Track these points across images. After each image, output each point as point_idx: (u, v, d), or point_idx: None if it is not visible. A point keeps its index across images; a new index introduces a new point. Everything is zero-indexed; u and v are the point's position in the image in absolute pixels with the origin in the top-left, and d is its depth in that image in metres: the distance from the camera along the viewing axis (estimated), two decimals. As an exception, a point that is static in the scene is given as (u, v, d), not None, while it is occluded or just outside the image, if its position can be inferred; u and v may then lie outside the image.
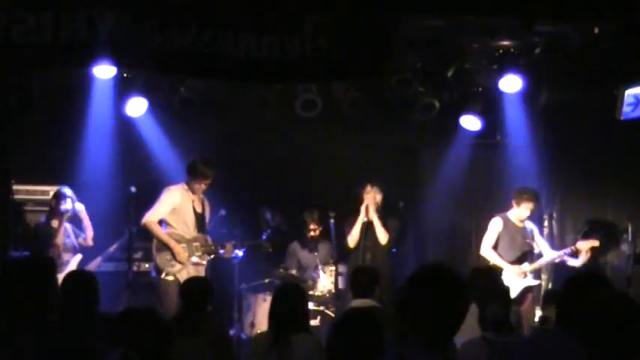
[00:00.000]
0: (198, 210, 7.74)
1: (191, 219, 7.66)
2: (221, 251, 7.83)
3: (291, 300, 5.06)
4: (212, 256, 7.92)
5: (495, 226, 8.11)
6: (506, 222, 8.12)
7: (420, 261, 8.96)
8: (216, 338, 5.47)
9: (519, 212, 8.10)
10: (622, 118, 7.83)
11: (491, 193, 9.20)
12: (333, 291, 7.89)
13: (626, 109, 7.78)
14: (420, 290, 2.92)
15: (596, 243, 8.12)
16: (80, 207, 7.99)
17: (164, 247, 7.52)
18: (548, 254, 8.20)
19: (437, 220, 9.31)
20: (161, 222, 7.63)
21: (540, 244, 8.26)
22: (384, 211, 8.21)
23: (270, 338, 4.97)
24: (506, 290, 5.23)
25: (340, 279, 7.93)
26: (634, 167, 8.77)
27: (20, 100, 8.04)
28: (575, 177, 9.11)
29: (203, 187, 7.71)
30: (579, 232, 8.77)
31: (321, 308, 7.85)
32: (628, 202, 8.86)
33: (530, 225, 8.22)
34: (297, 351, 4.81)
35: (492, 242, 8.09)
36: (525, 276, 7.99)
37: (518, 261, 8.03)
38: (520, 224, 8.14)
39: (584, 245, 8.09)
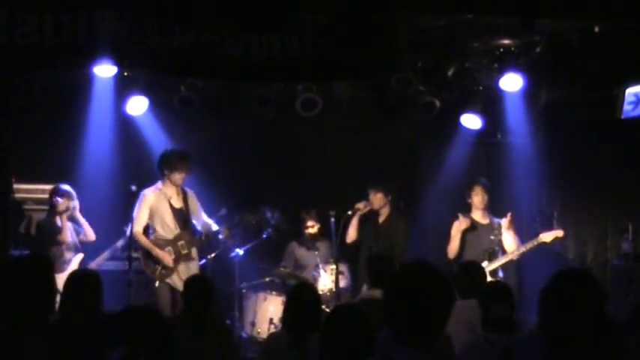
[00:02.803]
0: (177, 206, 7.64)
1: (170, 218, 7.59)
2: (220, 236, 7.81)
3: (306, 300, 4.97)
4: (214, 254, 7.95)
5: (456, 227, 7.96)
6: (469, 221, 8.01)
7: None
8: (220, 336, 5.48)
9: (474, 204, 8.00)
10: (622, 116, 7.83)
11: (492, 193, 9.19)
12: (334, 290, 7.89)
13: (626, 107, 7.79)
14: (403, 290, 2.93)
15: (560, 233, 7.72)
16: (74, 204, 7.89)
17: (149, 254, 7.52)
18: (508, 252, 7.74)
19: (437, 220, 9.30)
20: (147, 228, 7.61)
21: (505, 241, 7.81)
22: (391, 216, 8.13)
23: (285, 338, 4.88)
24: (511, 290, 5.19)
25: (341, 278, 7.92)
26: (634, 166, 8.75)
27: (21, 99, 8.05)
28: (575, 176, 9.09)
29: (179, 178, 7.59)
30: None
31: (322, 307, 7.82)
32: (628, 202, 8.84)
33: (498, 220, 7.96)
34: (315, 351, 4.76)
35: (457, 245, 7.91)
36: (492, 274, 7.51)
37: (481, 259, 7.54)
38: (485, 221, 8.01)
39: (548, 237, 7.66)
